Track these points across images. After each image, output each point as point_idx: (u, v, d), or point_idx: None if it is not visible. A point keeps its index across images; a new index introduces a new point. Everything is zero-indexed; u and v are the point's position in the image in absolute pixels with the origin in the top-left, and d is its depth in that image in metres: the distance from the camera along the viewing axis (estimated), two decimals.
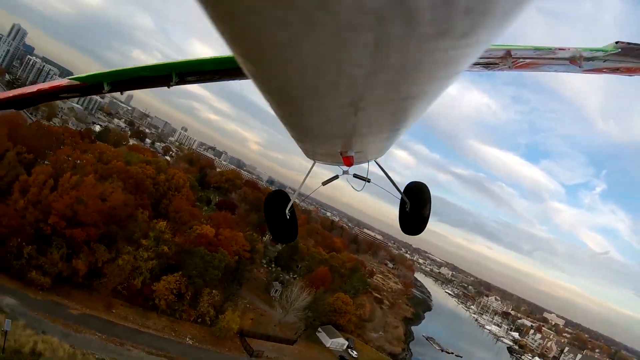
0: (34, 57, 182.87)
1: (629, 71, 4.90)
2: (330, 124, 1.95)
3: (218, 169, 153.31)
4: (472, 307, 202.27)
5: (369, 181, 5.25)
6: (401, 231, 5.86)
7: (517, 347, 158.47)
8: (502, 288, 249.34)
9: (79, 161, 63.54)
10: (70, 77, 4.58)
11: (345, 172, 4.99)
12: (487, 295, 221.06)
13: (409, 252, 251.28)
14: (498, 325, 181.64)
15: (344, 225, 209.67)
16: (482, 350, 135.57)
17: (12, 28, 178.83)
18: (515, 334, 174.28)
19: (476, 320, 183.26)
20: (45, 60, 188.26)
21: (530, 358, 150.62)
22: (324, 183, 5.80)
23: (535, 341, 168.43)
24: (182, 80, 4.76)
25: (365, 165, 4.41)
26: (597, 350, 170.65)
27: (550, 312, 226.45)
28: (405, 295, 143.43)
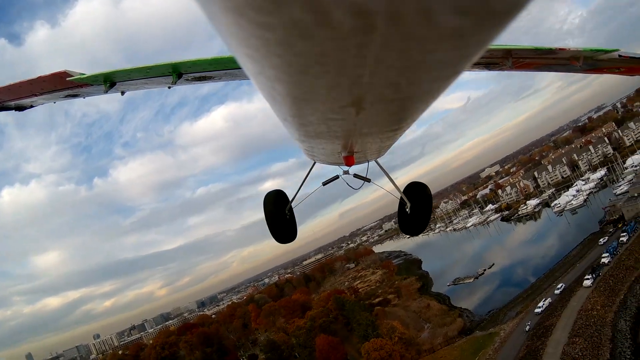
0: None
1: (630, 71, 5.09)
2: (330, 124, 1.93)
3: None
4: (438, 226, 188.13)
5: (369, 181, 5.50)
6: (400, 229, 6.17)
7: (506, 212, 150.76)
8: (435, 192, 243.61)
9: None
10: (70, 77, 4.50)
11: (345, 172, 5.21)
12: (435, 208, 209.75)
13: (351, 243, 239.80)
14: (471, 216, 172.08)
15: (288, 276, 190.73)
16: (495, 246, 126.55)
17: None
18: (490, 206, 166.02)
19: (454, 230, 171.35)
20: None
21: (525, 207, 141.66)
22: (324, 183, 5.95)
23: (510, 194, 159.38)
24: (182, 81, 4.78)
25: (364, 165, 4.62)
26: (547, 155, 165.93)
27: (482, 169, 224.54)
28: (394, 272, 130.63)
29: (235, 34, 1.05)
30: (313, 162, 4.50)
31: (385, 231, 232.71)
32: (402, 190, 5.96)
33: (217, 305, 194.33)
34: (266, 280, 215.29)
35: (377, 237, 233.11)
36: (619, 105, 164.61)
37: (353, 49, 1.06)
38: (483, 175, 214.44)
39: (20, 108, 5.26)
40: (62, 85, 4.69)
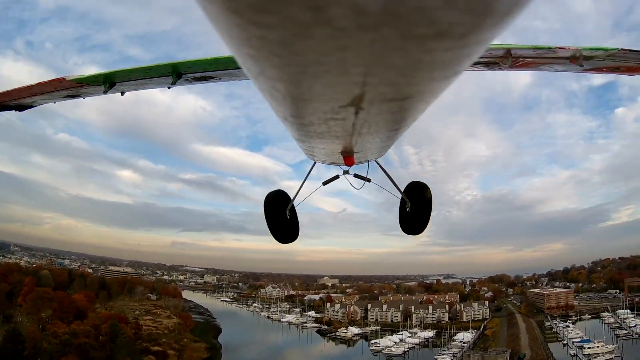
0: None
1: (630, 70, 5.07)
2: (330, 124, 1.94)
3: None
4: (254, 304, 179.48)
5: (369, 181, 5.57)
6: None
7: (325, 327, 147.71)
8: (270, 272, 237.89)
9: None
10: (70, 77, 4.54)
11: (345, 172, 5.22)
12: (262, 287, 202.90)
13: (166, 274, 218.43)
14: (290, 312, 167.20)
15: (87, 270, 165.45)
16: (299, 350, 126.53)
17: None
18: (312, 313, 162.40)
19: (268, 317, 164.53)
20: None
21: (345, 331, 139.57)
22: (325, 183, 6.00)
23: (337, 312, 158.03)
24: (182, 81, 4.77)
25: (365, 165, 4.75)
26: (386, 294, 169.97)
27: (322, 276, 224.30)
28: (188, 329, 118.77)
29: (235, 34, 1.05)
30: (313, 162, 4.45)
31: (204, 282, 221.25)
32: (402, 190, 6.07)
33: (3, 256, 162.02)
34: (66, 262, 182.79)
35: (193, 284, 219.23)
36: (468, 281, 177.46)
37: (353, 49, 1.05)
38: (320, 281, 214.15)
39: (20, 108, 5.32)
40: (62, 85, 4.69)
